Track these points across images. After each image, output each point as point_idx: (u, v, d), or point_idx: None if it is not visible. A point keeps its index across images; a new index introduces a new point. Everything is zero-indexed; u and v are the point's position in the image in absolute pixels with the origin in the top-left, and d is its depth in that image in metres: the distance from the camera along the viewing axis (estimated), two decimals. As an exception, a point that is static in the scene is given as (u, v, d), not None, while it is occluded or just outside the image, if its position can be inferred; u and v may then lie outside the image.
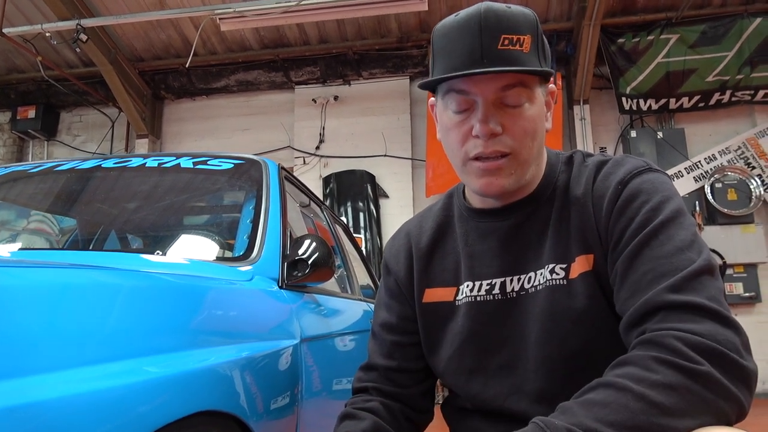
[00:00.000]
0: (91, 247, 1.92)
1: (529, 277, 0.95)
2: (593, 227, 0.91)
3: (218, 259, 1.55)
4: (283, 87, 6.60)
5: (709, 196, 5.59)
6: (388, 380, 1.07)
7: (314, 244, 1.57)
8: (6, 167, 2.17)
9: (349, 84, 6.48)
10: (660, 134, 5.84)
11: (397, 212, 5.94)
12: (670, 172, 5.58)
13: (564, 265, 0.92)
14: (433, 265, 1.06)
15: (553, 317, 0.91)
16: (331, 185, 6.01)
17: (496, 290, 0.97)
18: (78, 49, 5.60)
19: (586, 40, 5.50)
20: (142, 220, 1.86)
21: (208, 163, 1.91)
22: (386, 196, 6.05)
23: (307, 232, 2.15)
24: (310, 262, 1.53)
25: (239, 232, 1.62)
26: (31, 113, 6.54)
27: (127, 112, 6.40)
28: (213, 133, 6.60)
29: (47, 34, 5.43)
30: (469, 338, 0.99)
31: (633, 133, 5.89)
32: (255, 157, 1.96)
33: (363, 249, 5.13)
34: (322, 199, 3.46)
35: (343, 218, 5.56)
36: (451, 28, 0.89)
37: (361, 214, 5.84)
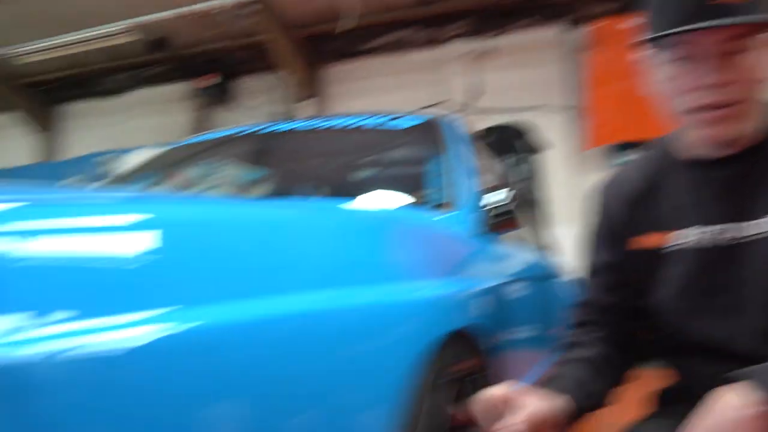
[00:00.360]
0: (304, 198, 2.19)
1: (752, 225, 0.96)
2: None
3: (423, 208, 1.71)
4: (434, 43, 6.66)
5: None
6: (605, 316, 1.14)
7: (504, 193, 1.68)
8: (216, 132, 2.54)
9: (501, 36, 6.38)
10: None
11: (558, 164, 5.83)
12: None
13: None
14: (648, 211, 1.09)
15: None
16: (488, 139, 6.02)
17: (716, 237, 0.99)
18: (247, 20, 6.12)
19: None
20: (352, 178, 2.07)
21: (397, 120, 2.08)
22: (545, 148, 5.96)
23: (490, 183, 2.27)
24: (501, 211, 1.65)
25: (441, 184, 1.76)
26: (210, 82, 7.25)
27: (292, 76, 6.89)
28: (370, 92, 6.85)
29: (221, 8, 5.98)
30: (689, 282, 1.01)
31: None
32: (439, 114, 2.10)
33: (521, 202, 5.15)
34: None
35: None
36: None
37: (519, 167, 5.83)
